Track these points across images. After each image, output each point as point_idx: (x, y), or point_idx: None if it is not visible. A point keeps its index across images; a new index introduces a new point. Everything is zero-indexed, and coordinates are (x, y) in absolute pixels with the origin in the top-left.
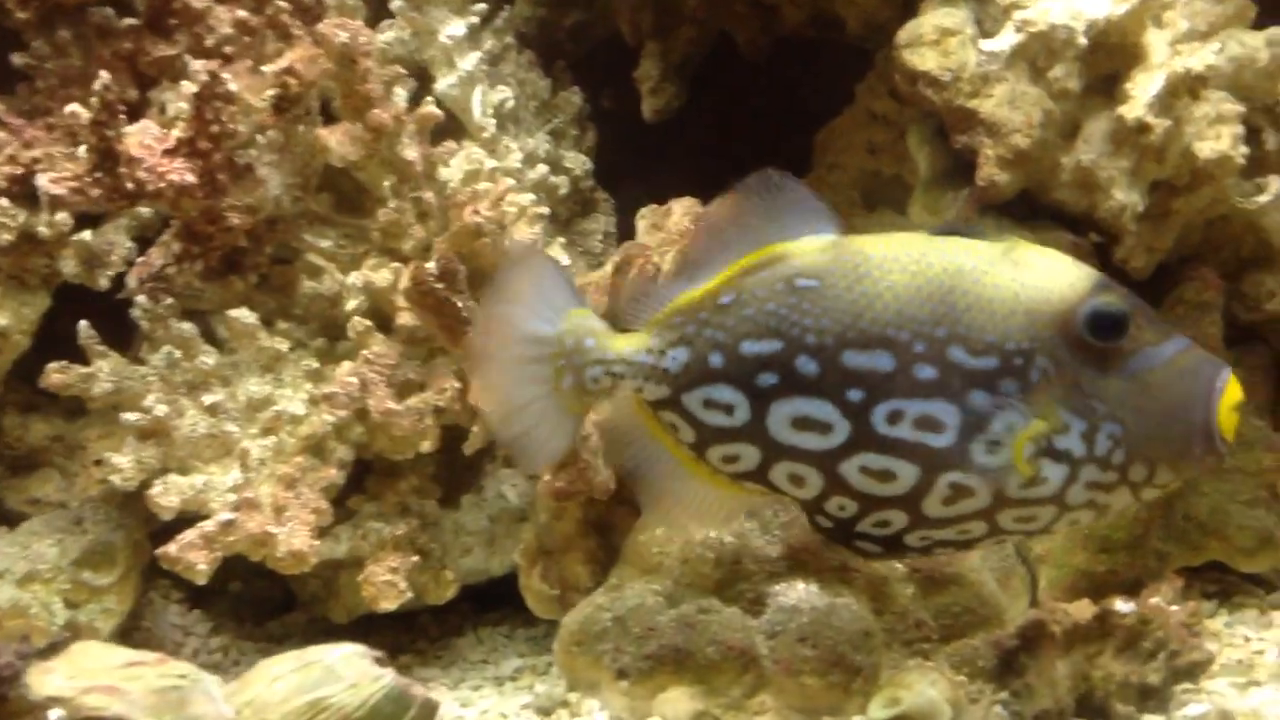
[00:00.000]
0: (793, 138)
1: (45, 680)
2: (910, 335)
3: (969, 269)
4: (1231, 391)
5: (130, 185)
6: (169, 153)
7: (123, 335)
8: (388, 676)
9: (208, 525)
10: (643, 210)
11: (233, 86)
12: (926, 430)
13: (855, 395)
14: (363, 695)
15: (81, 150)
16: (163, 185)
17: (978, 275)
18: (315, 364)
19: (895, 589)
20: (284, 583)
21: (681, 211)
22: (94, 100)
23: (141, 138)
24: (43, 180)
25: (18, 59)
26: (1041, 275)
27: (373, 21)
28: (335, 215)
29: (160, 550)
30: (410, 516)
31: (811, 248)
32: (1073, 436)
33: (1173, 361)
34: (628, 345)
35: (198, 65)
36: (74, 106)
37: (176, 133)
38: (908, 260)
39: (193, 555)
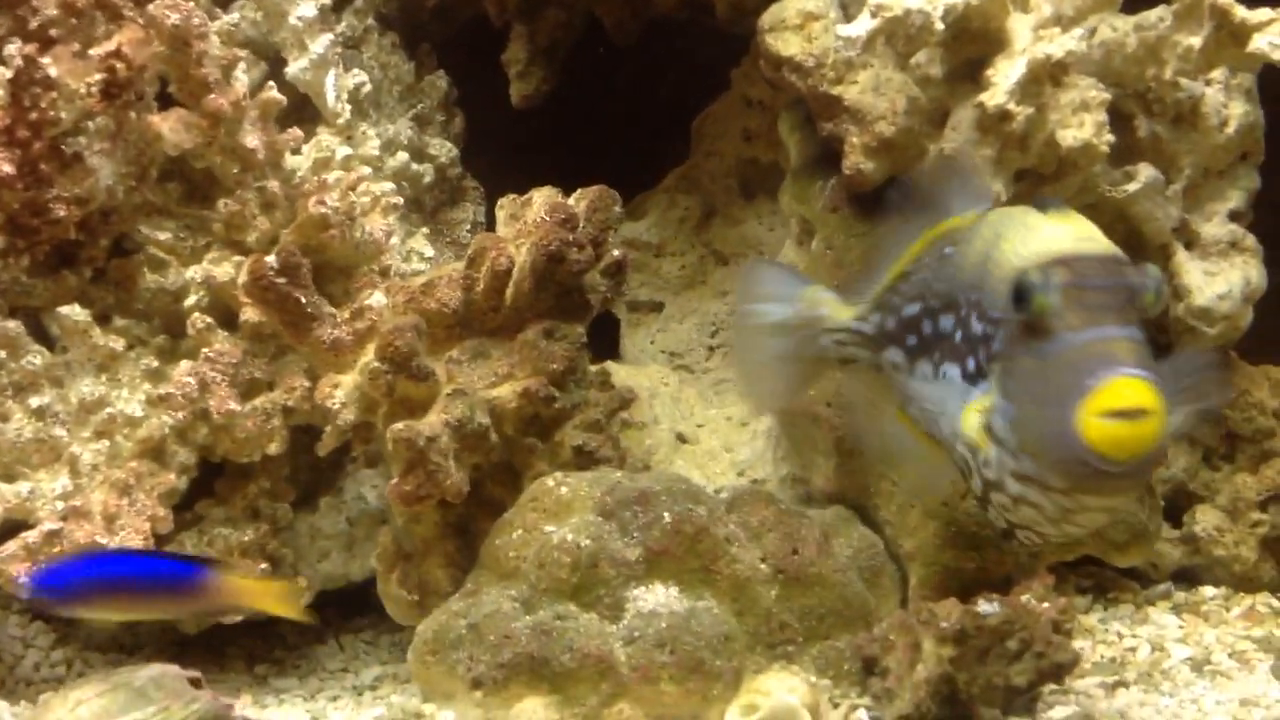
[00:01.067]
0: (668, 124)
1: None
2: (963, 302)
3: (997, 239)
4: (1106, 396)
5: None
6: None
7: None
8: (203, 699)
9: (30, 535)
10: (502, 200)
11: (52, 71)
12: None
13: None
14: None
15: None
16: None
17: (999, 244)
18: (155, 363)
19: (758, 590)
20: None
21: (541, 201)
22: None
23: None
24: None
25: None
26: (1026, 244)
27: (224, 2)
28: (175, 206)
29: None
30: (260, 521)
31: (964, 220)
32: (997, 415)
33: (1073, 349)
34: (849, 314)
35: (13, 49)
36: None
37: None
38: (984, 229)
39: (15, 567)
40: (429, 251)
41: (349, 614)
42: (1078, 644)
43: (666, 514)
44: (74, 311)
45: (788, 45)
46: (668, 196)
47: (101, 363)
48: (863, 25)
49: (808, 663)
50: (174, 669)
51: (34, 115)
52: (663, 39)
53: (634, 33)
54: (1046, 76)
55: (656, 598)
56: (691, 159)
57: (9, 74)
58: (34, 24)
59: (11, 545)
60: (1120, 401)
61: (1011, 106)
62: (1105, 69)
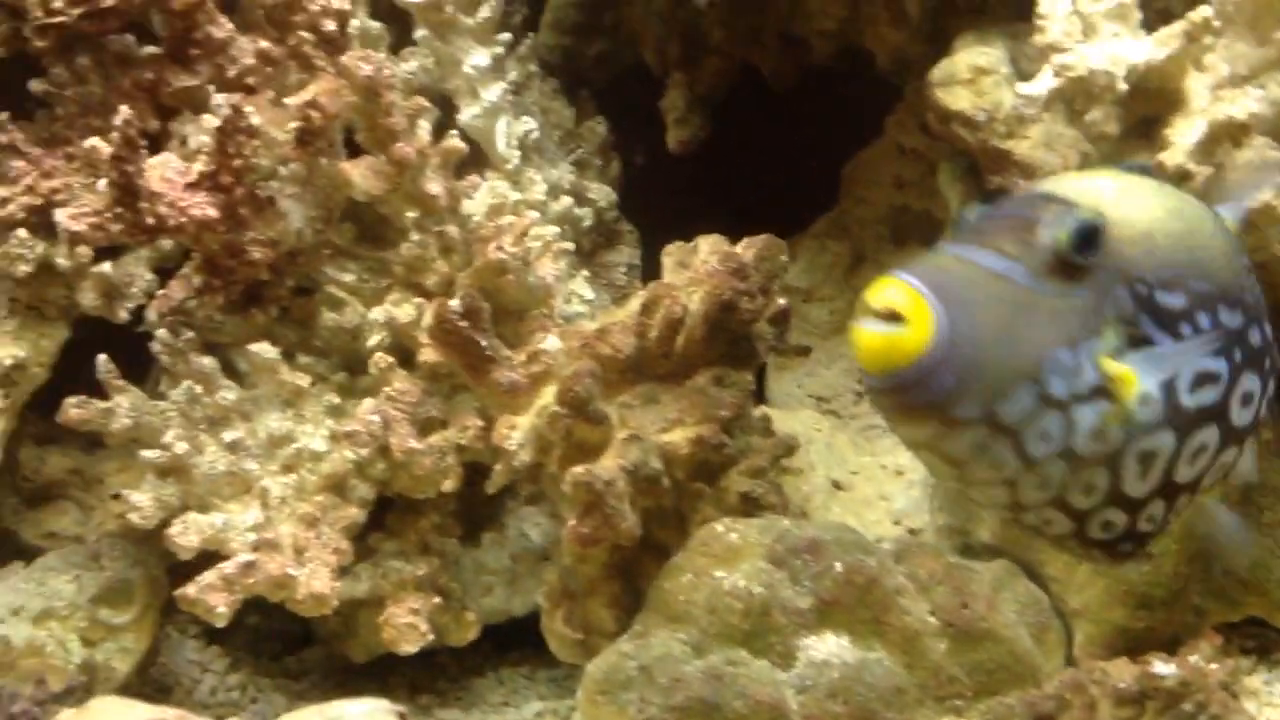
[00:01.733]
0: (819, 171)
1: None
2: None
3: None
4: (865, 297)
5: (151, 220)
6: (191, 187)
7: (138, 365)
8: None
9: (227, 567)
10: (668, 247)
11: (256, 120)
12: None
13: None
14: None
15: (102, 184)
16: (184, 220)
17: None
18: (336, 399)
19: (928, 643)
20: (302, 617)
21: (709, 249)
22: (115, 135)
23: (163, 171)
24: (61, 216)
25: (36, 86)
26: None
27: (396, 49)
28: (357, 248)
29: (179, 592)
30: (431, 555)
31: None
32: None
33: None
34: None
35: (220, 99)
36: (94, 141)
37: (198, 166)
38: None
39: (212, 597)
40: (588, 294)
41: (504, 648)
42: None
43: (838, 564)
44: (265, 349)
45: (958, 99)
46: (817, 242)
47: (288, 398)
48: (1044, 84)
49: (976, 718)
50: (384, 703)
51: (237, 162)
52: (816, 85)
53: (791, 81)
54: (1227, 137)
55: (828, 647)
56: (841, 204)
57: (217, 122)
58: (232, 72)
59: (209, 575)
60: (872, 302)
61: (1192, 166)
62: (1276, 128)
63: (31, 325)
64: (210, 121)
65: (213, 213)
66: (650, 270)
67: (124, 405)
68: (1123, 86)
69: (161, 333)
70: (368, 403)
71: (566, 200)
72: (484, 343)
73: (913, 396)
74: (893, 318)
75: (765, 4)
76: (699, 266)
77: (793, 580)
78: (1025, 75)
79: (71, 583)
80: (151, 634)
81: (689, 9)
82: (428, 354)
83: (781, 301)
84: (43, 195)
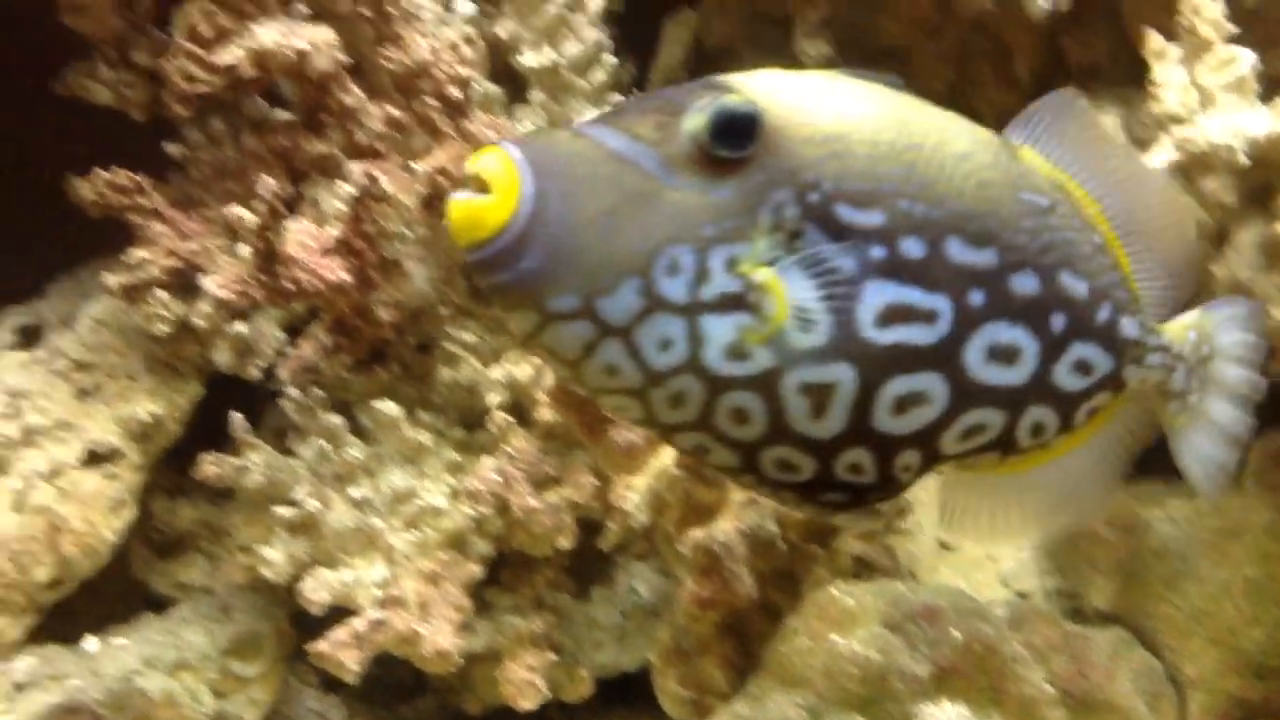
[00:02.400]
0: None
1: None
2: None
3: None
4: (473, 156)
5: (290, 286)
6: (326, 253)
7: (250, 410)
8: None
9: (358, 624)
10: None
11: (388, 188)
12: None
13: None
14: None
15: (244, 251)
16: (321, 286)
17: None
18: (456, 456)
19: (1045, 713)
20: (417, 666)
21: None
22: (259, 204)
23: (300, 238)
24: (209, 283)
25: (172, 149)
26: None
27: (509, 108)
28: (475, 307)
29: (312, 648)
30: (545, 610)
31: None
32: None
33: None
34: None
35: (355, 167)
36: (239, 210)
37: (333, 233)
38: None
39: (344, 654)
40: None
41: (615, 703)
42: None
43: (955, 631)
44: (387, 406)
45: None
46: None
47: (409, 455)
48: (1164, 155)
49: None
50: None
51: (369, 227)
52: None
53: None
54: None
55: (946, 715)
56: None
57: (353, 190)
58: (361, 138)
59: (341, 633)
60: (467, 167)
61: None
62: None
63: (167, 382)
64: (345, 189)
65: (347, 278)
66: None
67: (257, 462)
68: (1244, 160)
69: (293, 391)
70: (488, 461)
71: None
72: None
73: (499, 275)
74: (484, 188)
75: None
76: None
77: (910, 647)
78: (1139, 141)
79: (203, 635)
80: (278, 685)
81: None
82: (545, 413)
83: None
84: (181, 257)
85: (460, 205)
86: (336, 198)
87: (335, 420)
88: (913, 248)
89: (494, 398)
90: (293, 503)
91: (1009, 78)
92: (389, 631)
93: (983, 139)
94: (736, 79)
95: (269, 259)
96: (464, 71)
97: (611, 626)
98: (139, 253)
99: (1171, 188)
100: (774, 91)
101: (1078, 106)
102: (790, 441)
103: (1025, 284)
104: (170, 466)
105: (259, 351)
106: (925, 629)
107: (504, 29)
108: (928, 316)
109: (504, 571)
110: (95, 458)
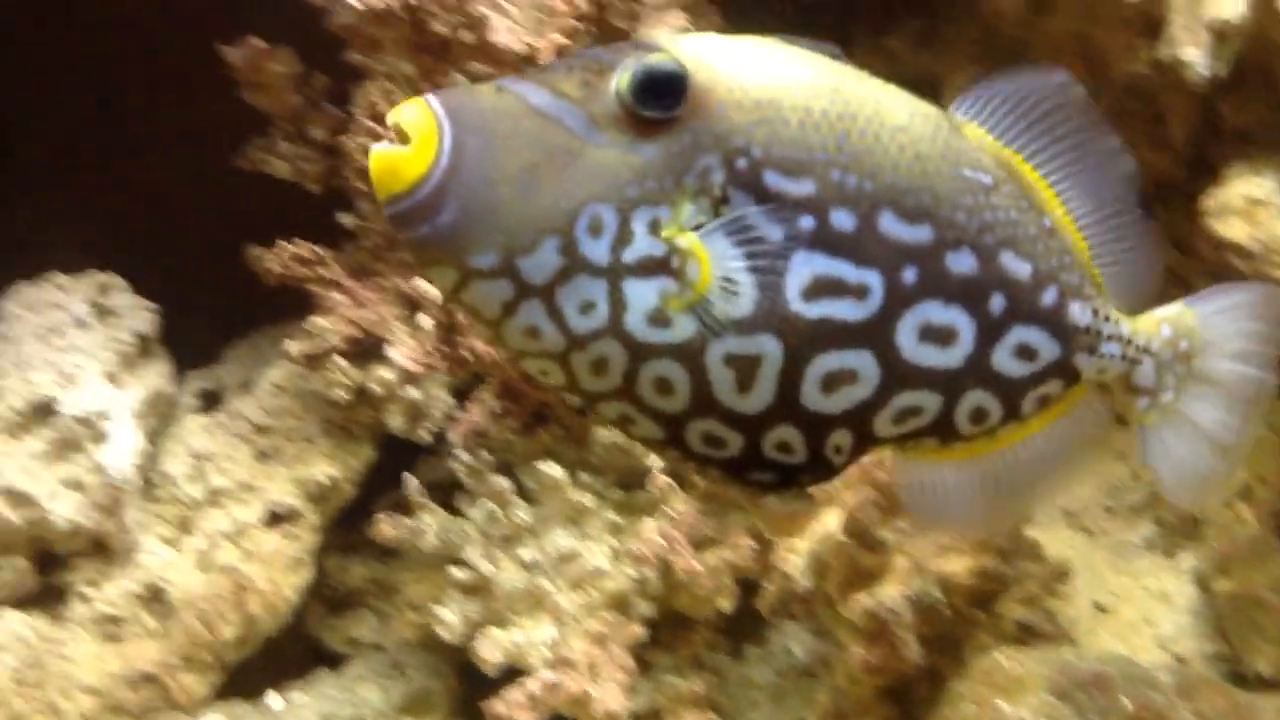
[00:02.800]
0: None
1: None
2: None
3: None
4: (397, 107)
5: (467, 355)
6: None
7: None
8: None
9: (533, 685)
10: None
11: None
12: None
13: None
14: None
15: (426, 322)
16: (496, 355)
17: None
18: (616, 517)
19: None
20: None
21: None
22: None
23: None
24: (397, 356)
25: (347, 220)
26: None
27: None
28: None
29: (489, 708)
30: (704, 671)
31: None
32: None
33: None
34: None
35: None
36: (423, 283)
37: None
38: None
39: (520, 715)
40: None
41: None
42: None
43: (1125, 699)
44: (551, 468)
45: (1232, 229)
46: None
47: (572, 516)
48: None
49: None
50: None
51: None
52: None
53: None
54: None
55: None
56: None
57: None
58: None
59: (517, 694)
60: (389, 118)
61: None
62: None
63: (342, 445)
64: None
65: None
66: None
67: (431, 524)
68: None
69: (463, 454)
70: (650, 523)
71: None
72: None
73: (417, 229)
74: (406, 139)
75: None
76: None
77: (1079, 715)
78: None
79: (378, 692)
80: None
81: None
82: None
83: None
84: (358, 326)
85: (379, 156)
86: None
87: (503, 483)
88: (844, 220)
89: (655, 460)
90: (465, 564)
91: (1162, 140)
92: (562, 693)
93: (923, 112)
94: (667, 38)
95: (449, 330)
96: None
97: (766, 686)
98: (319, 321)
99: (1138, 174)
100: (704, 53)
101: (1037, 83)
102: (716, 415)
103: (962, 263)
104: (342, 525)
105: (429, 415)
106: (1094, 697)
107: None
108: (858, 291)
109: (664, 632)
110: (275, 518)
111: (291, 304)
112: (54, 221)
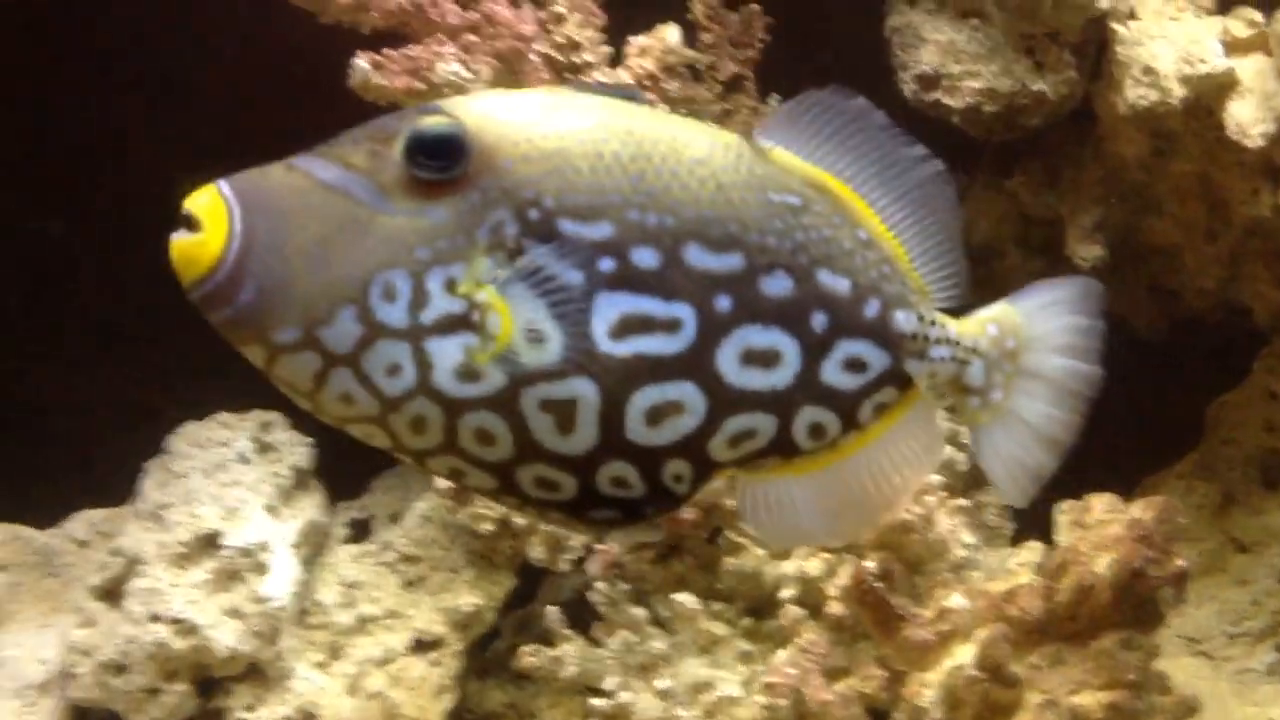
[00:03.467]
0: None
1: None
2: None
3: None
4: (190, 195)
5: None
6: None
7: None
8: None
9: None
10: (1062, 505)
11: None
12: None
13: None
14: None
15: None
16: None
17: None
18: (746, 645)
19: None
20: None
21: (1105, 511)
22: None
23: None
24: None
25: None
26: None
27: None
28: None
29: None
30: None
31: None
32: None
33: None
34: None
35: None
36: None
37: None
38: None
39: None
40: (968, 539)
41: None
42: None
43: None
44: (687, 599)
45: None
46: (1183, 482)
47: (705, 645)
48: None
49: None
50: None
51: None
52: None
53: (1164, 331)
54: None
55: None
56: (1206, 444)
57: None
58: None
59: None
60: (183, 206)
61: None
62: None
63: (485, 574)
64: None
65: None
66: (1018, 513)
67: (571, 653)
68: None
69: (602, 585)
70: (782, 654)
71: (947, 448)
72: (896, 603)
73: (221, 312)
74: (197, 226)
75: (1140, 263)
76: (1102, 530)
77: None
78: None
79: None
80: None
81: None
82: (835, 606)
83: (1180, 563)
84: None
85: (176, 246)
86: None
87: (640, 613)
88: (646, 257)
89: (786, 591)
90: (604, 693)
91: None
92: None
93: (723, 142)
94: (451, 101)
95: None
96: None
97: None
98: None
99: (945, 175)
100: (489, 111)
101: (837, 103)
102: (543, 459)
103: (778, 285)
104: (480, 650)
105: (568, 547)
106: None
107: None
108: (669, 325)
109: None
110: (421, 645)
111: None
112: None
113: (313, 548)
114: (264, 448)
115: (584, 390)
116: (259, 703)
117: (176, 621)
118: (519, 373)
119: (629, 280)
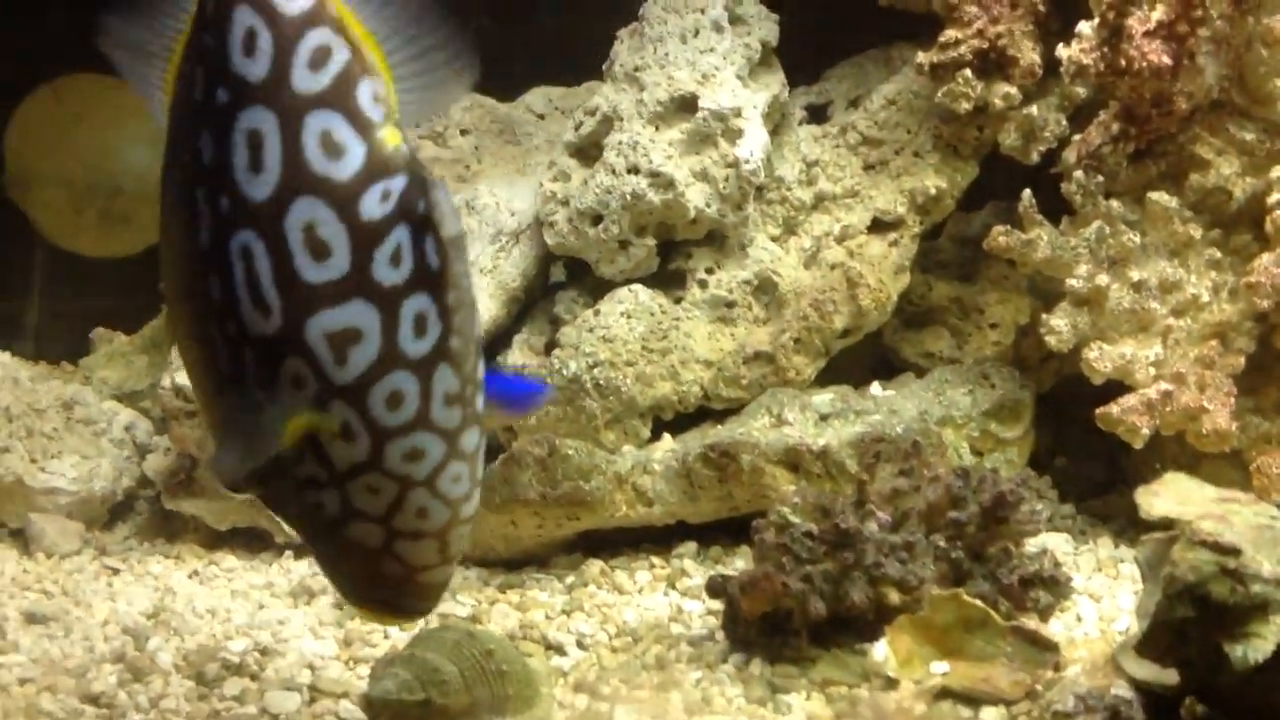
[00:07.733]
0: None
1: (1154, 502)
2: None
3: None
4: None
5: (1121, 62)
6: (1148, 34)
7: None
8: None
9: (1150, 393)
10: None
11: None
12: None
13: None
14: None
15: (1087, 27)
16: (1143, 65)
17: None
18: (1216, 254)
19: None
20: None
21: None
22: None
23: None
24: (1065, 51)
25: None
26: None
27: None
28: (1253, 109)
29: (1101, 411)
30: None
31: None
32: None
33: None
34: None
35: None
36: None
37: (1157, 15)
38: None
39: (1135, 419)
40: None
41: None
42: None
43: None
44: (1163, 198)
45: None
46: None
47: (1175, 248)
48: None
49: None
50: None
51: (1197, 12)
52: None
53: None
54: None
55: None
56: None
57: None
58: None
59: (1132, 399)
60: None
61: None
62: None
63: (948, 161)
64: None
65: (1167, 61)
66: None
67: (1044, 239)
68: None
69: (1078, 174)
70: (1268, 256)
71: None
72: None
73: None
74: None
75: None
76: None
77: None
78: None
79: (967, 396)
80: (1030, 451)
81: None
82: None
83: None
84: (989, 39)
85: None
86: None
87: (1115, 205)
88: None
89: (1276, 195)
90: (1083, 277)
91: None
92: (1176, 403)
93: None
94: None
95: (1115, 34)
96: None
97: None
98: (952, 33)
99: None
100: None
101: None
102: None
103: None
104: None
105: (1041, 137)
106: None
107: None
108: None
109: (1249, 375)
110: (880, 225)
111: (898, 25)
112: None
113: (774, 124)
114: (735, 18)
115: None
116: (718, 267)
117: (655, 175)
118: None
119: None
